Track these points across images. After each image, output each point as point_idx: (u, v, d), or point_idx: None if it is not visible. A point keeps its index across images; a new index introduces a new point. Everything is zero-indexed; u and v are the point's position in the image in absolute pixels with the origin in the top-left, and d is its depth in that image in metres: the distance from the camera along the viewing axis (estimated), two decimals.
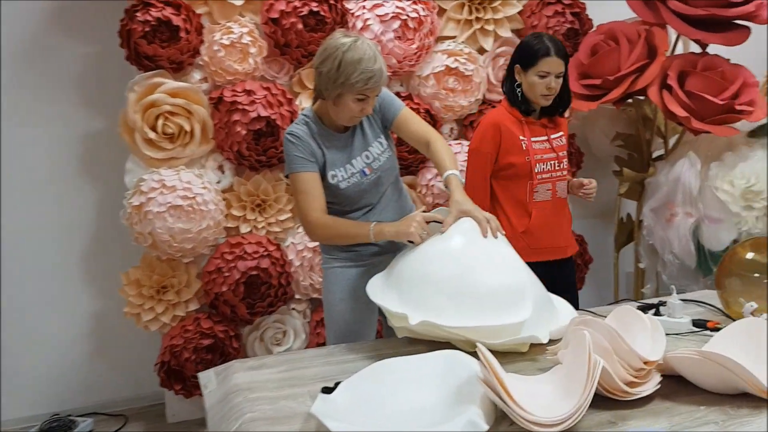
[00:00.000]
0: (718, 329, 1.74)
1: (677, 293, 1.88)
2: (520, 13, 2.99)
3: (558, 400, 1.35)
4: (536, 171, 2.33)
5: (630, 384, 1.37)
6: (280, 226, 2.81)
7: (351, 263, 2.07)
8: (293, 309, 2.91)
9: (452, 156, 1.97)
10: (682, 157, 2.89)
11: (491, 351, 1.37)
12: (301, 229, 2.81)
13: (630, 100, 3.11)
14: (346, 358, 1.72)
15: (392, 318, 1.77)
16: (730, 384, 1.36)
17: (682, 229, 2.85)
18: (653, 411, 1.34)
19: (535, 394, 1.38)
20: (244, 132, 2.62)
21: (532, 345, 1.70)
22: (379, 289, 1.85)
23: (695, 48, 3.06)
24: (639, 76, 2.82)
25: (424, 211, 1.91)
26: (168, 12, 2.52)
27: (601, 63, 2.87)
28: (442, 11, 2.90)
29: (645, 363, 1.40)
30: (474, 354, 1.58)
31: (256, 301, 2.74)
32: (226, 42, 2.57)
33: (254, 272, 2.70)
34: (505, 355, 1.63)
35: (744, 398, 1.36)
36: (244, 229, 2.77)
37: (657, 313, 1.83)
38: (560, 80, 2.29)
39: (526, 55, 2.30)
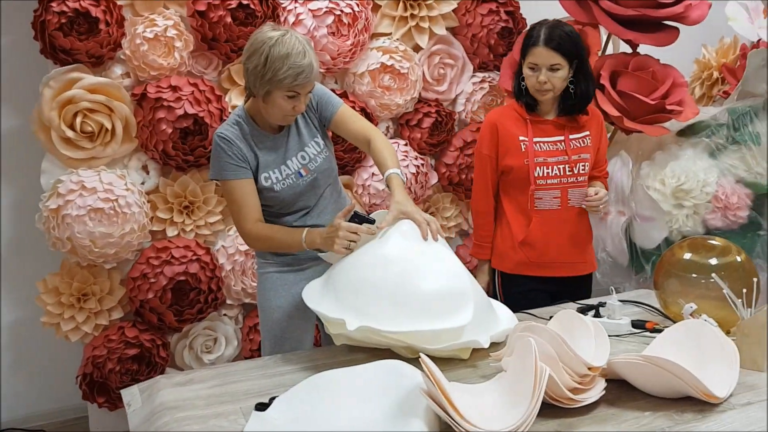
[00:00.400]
0: (656, 330, 1.74)
1: (616, 293, 1.88)
2: (455, 11, 2.95)
3: (504, 409, 1.31)
4: (536, 175, 2.15)
5: (575, 391, 1.34)
6: (210, 229, 2.69)
7: (288, 268, 1.98)
8: (224, 315, 2.79)
9: (394, 154, 1.90)
10: (614, 157, 2.92)
11: (432, 358, 1.32)
12: (232, 232, 2.70)
13: None
14: (282, 369, 1.64)
15: (330, 325, 1.70)
16: (674, 388, 1.35)
17: (615, 228, 2.88)
18: (599, 418, 1.32)
19: (479, 404, 1.33)
20: (170, 130, 2.49)
21: (474, 351, 1.66)
22: (316, 295, 1.77)
23: (625, 48, 3.10)
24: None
25: (356, 213, 1.83)
26: (86, 2, 2.36)
27: None
28: (376, 7, 2.84)
29: (589, 369, 1.37)
30: (415, 361, 1.53)
31: (185, 307, 2.61)
32: (150, 35, 2.43)
33: (182, 278, 2.57)
34: (446, 362, 1.58)
35: (687, 402, 1.35)
36: (171, 232, 2.63)
37: (597, 315, 1.82)
38: (557, 74, 2.08)
39: (522, 45, 2.16)
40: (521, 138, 2.17)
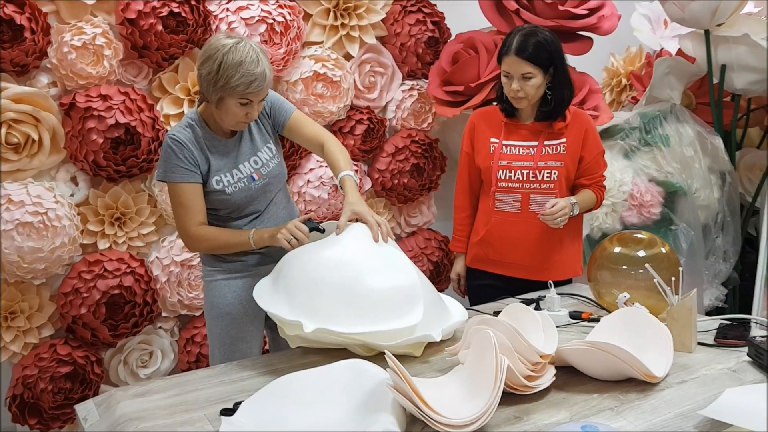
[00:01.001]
0: (592, 319, 1.86)
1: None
2: (383, 20, 3.03)
3: (465, 400, 1.38)
4: (498, 177, 2.20)
5: (528, 378, 1.43)
6: (143, 240, 2.64)
7: (236, 274, 1.98)
8: (160, 328, 2.74)
9: (347, 157, 1.95)
10: None
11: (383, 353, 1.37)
12: (166, 243, 2.66)
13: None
14: (240, 376, 1.64)
15: (285, 327, 1.72)
16: (618, 371, 1.45)
17: None
18: (552, 402, 1.41)
19: (442, 397, 1.39)
20: (100, 140, 2.43)
21: (426, 347, 1.73)
22: (266, 295, 1.78)
23: None
24: (497, 83, 2.95)
25: (309, 219, 1.87)
26: (9, 10, 2.28)
27: (462, 70, 2.97)
28: (307, 16, 2.87)
29: (541, 357, 1.46)
30: (372, 358, 1.59)
31: (120, 322, 2.55)
32: (78, 43, 2.37)
33: (116, 291, 2.51)
34: (401, 360, 1.63)
35: (629, 384, 1.46)
36: (103, 245, 2.57)
37: (537, 308, 1.92)
38: (530, 82, 2.10)
39: (497, 52, 2.18)
40: (492, 139, 2.24)
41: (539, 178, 2.18)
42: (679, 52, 3.34)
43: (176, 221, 1.91)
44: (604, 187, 2.33)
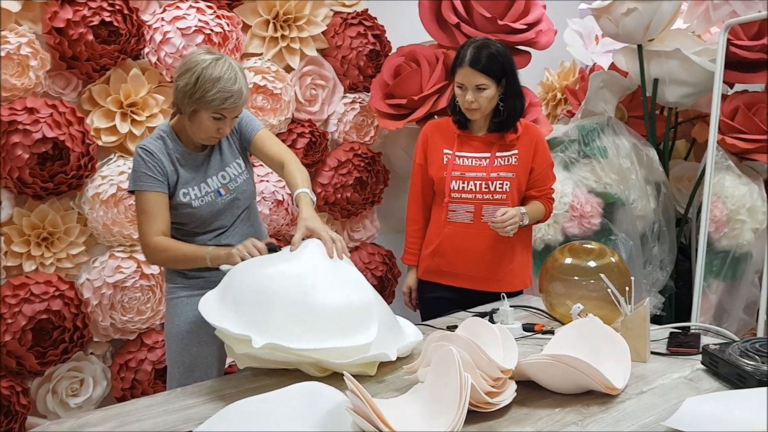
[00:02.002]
0: (546, 331, 1.86)
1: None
2: (324, 33, 2.98)
3: (426, 420, 1.33)
4: (451, 188, 2.20)
5: (490, 394, 1.39)
6: (72, 262, 2.49)
7: (198, 291, 1.90)
8: (92, 354, 2.60)
9: (306, 176, 1.95)
10: None
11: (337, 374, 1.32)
12: (97, 263, 2.53)
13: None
14: (186, 403, 1.54)
15: (233, 343, 1.64)
16: (579, 384, 1.44)
17: None
18: (515, 419, 1.38)
19: (402, 418, 1.34)
20: (26, 156, 2.29)
21: (381, 366, 1.68)
22: (213, 310, 1.70)
23: None
24: (440, 96, 2.96)
25: (270, 243, 1.87)
26: None
27: (404, 84, 2.95)
28: (246, 27, 2.80)
29: (502, 372, 1.43)
30: (325, 379, 1.53)
31: (48, 348, 2.39)
32: (1, 53, 2.23)
33: (44, 316, 2.36)
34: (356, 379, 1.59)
35: (589, 396, 1.45)
36: (29, 267, 2.41)
37: (491, 321, 1.90)
38: (483, 93, 2.12)
39: (451, 64, 2.19)
40: (445, 151, 2.25)
41: (492, 189, 2.20)
42: (612, 67, 3.43)
43: (138, 230, 1.91)
44: (553, 199, 2.36)
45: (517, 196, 2.25)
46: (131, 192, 1.92)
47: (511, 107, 2.20)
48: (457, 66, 2.15)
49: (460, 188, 2.22)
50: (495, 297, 2.13)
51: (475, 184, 2.20)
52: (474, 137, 2.25)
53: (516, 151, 2.24)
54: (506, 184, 2.20)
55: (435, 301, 2.31)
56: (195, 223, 1.94)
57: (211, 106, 1.79)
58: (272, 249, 1.83)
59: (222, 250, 1.84)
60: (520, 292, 2.35)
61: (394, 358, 1.64)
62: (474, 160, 2.23)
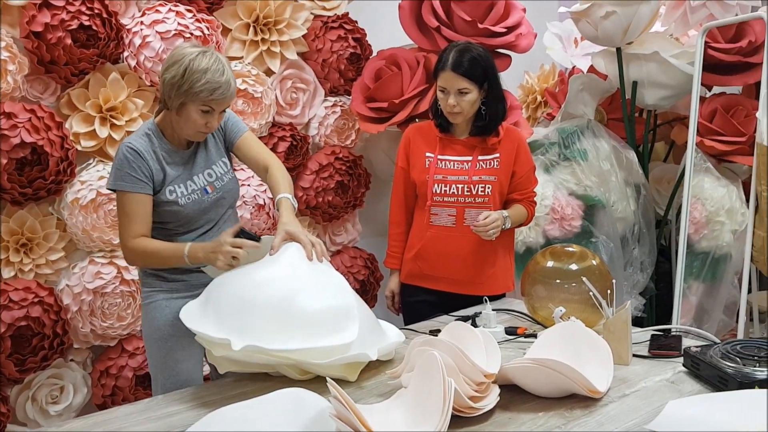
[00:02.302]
0: (528, 335, 1.86)
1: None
2: (304, 36, 2.98)
3: (410, 426, 1.33)
4: (433, 192, 2.21)
5: (473, 399, 1.40)
6: (51, 267, 2.46)
7: (177, 294, 1.90)
8: (72, 360, 2.57)
9: (289, 181, 1.95)
10: None
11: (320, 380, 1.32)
12: (77, 269, 2.50)
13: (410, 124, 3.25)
14: (168, 411, 1.54)
15: (212, 347, 1.64)
16: (561, 387, 1.45)
17: None
18: (499, 423, 1.38)
19: (386, 423, 1.34)
20: (4, 161, 2.26)
21: (364, 371, 1.68)
22: (195, 316, 1.71)
23: None
24: (421, 99, 2.96)
25: (242, 230, 1.83)
26: None
27: (385, 87, 2.95)
28: (226, 31, 2.79)
29: (485, 376, 1.44)
30: (305, 383, 1.53)
31: (27, 356, 2.36)
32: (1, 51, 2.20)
33: (23, 323, 2.33)
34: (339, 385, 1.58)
35: (573, 400, 1.46)
36: (7, 273, 2.38)
37: (474, 324, 1.91)
38: (466, 97, 2.13)
39: (434, 68, 2.20)
40: (428, 154, 2.25)
41: (474, 192, 2.20)
42: (591, 70, 3.46)
43: (119, 231, 1.88)
44: (535, 202, 2.37)
45: (499, 199, 2.26)
46: (112, 190, 1.88)
47: (493, 111, 2.21)
48: (440, 70, 2.16)
49: (442, 192, 2.22)
50: (478, 300, 2.13)
51: (458, 188, 2.20)
52: (456, 141, 2.26)
53: (498, 155, 2.24)
54: (488, 188, 2.21)
55: (418, 305, 2.31)
56: (179, 221, 1.91)
57: (199, 98, 1.77)
58: (248, 236, 1.80)
59: (200, 249, 1.81)
60: (502, 296, 2.35)
61: (374, 358, 1.65)
62: (456, 163, 2.23)
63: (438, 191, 2.22)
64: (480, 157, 2.22)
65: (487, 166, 2.23)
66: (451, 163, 2.23)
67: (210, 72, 1.76)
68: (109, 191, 2.00)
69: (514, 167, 2.27)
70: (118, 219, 1.88)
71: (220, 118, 1.87)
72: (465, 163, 2.22)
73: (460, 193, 2.21)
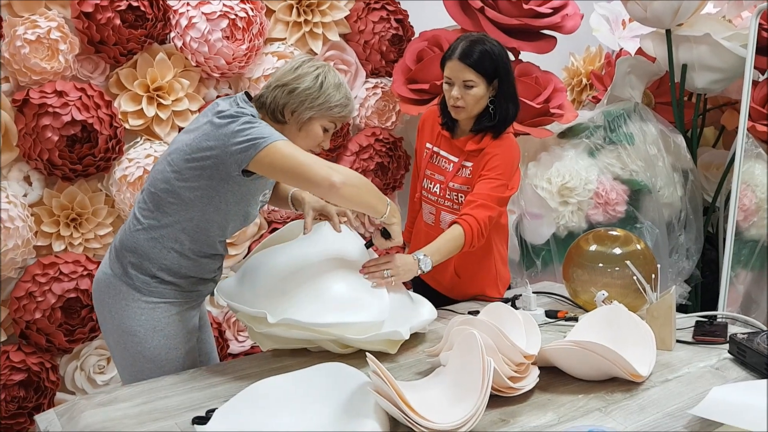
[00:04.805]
0: (569, 318, 1.85)
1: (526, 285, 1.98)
2: (347, 17, 2.97)
3: (449, 403, 1.34)
4: (423, 186, 2.12)
5: (512, 379, 1.40)
6: (100, 242, 2.53)
7: (187, 305, 1.80)
8: (106, 338, 2.63)
9: None
10: None
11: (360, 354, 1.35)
12: None
13: None
14: (211, 381, 1.57)
15: (251, 323, 1.68)
16: (603, 370, 1.44)
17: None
18: (538, 404, 1.38)
19: (426, 400, 1.35)
20: (56, 138, 2.32)
21: (402, 348, 1.70)
22: (232, 292, 1.76)
23: None
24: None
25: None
26: None
27: (426, 68, 2.93)
28: (270, 12, 2.80)
29: (525, 357, 1.43)
30: (348, 359, 1.55)
31: (76, 326, 2.44)
32: (32, 37, 2.26)
33: (72, 295, 2.40)
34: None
35: (614, 383, 1.45)
36: (58, 247, 2.45)
37: (514, 307, 1.90)
38: (471, 91, 1.94)
39: (441, 58, 2.03)
40: (427, 145, 2.16)
41: (450, 198, 2.07)
42: (639, 52, 3.38)
43: (307, 174, 1.58)
44: (488, 207, 1.96)
45: None
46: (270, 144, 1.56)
47: (504, 111, 2.00)
48: (447, 59, 1.99)
49: (428, 188, 2.12)
50: (451, 302, 2.11)
51: (439, 188, 2.09)
52: (449, 139, 2.11)
53: (472, 164, 2.05)
54: (461, 197, 2.04)
55: (417, 286, 2.25)
56: (235, 229, 1.78)
57: (331, 113, 1.69)
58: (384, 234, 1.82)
59: (397, 222, 1.78)
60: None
61: (406, 336, 1.67)
62: (444, 162, 2.10)
63: (425, 186, 2.13)
64: (464, 163, 2.05)
65: (465, 174, 2.05)
66: (441, 160, 2.11)
67: (343, 87, 1.71)
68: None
69: (481, 171, 2.01)
70: (299, 164, 1.57)
71: (330, 137, 1.79)
72: (450, 164, 2.08)
73: (438, 193, 2.09)
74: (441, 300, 2.13)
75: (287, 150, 1.57)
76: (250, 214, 1.76)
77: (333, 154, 2.99)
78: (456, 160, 2.07)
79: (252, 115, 1.63)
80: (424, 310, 1.85)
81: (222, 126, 1.59)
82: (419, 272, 1.83)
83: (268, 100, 1.70)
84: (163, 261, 1.71)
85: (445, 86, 2.01)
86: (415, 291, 2.28)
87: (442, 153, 2.11)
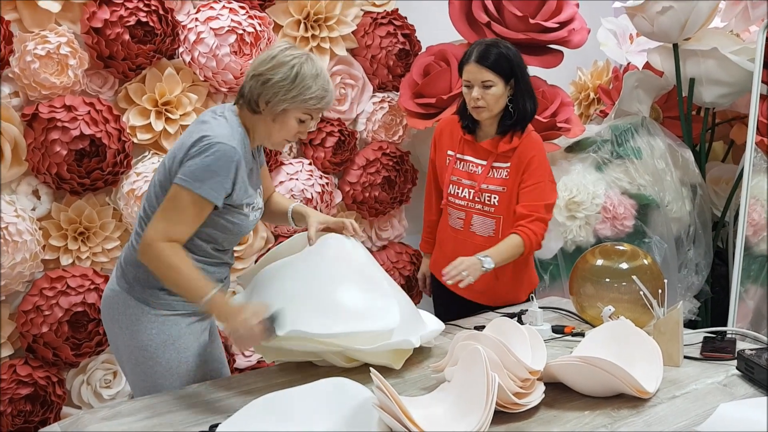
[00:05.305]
0: (576, 333, 1.84)
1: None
2: (354, 32, 2.99)
3: (454, 420, 1.33)
4: (448, 192, 2.17)
5: (518, 395, 1.39)
6: (107, 256, 2.54)
7: (195, 318, 1.80)
8: (114, 351, 2.63)
9: (288, 199, 2.06)
10: None
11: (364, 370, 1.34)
12: None
13: None
14: (215, 396, 1.57)
15: None
16: (609, 387, 1.42)
17: None
18: (544, 420, 1.37)
19: (429, 416, 1.34)
20: (64, 152, 2.34)
21: (406, 363, 1.69)
22: None
23: None
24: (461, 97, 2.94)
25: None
26: None
27: (433, 83, 2.95)
28: (277, 27, 2.82)
29: (530, 373, 1.42)
30: (353, 374, 1.54)
31: (83, 340, 2.44)
32: (42, 52, 2.28)
33: (80, 308, 2.41)
34: (381, 374, 1.59)
35: (620, 400, 1.43)
36: (66, 260, 2.46)
37: (520, 322, 1.88)
38: (490, 91, 2.04)
39: (458, 64, 2.14)
40: (449, 152, 2.22)
41: (481, 200, 2.14)
42: (647, 66, 3.38)
43: (155, 222, 1.60)
44: (544, 220, 2.11)
45: (506, 212, 2.14)
46: (180, 186, 1.59)
47: (522, 108, 2.11)
48: (464, 63, 2.09)
49: (455, 193, 2.18)
50: (481, 308, 2.16)
51: (468, 192, 2.15)
52: (477, 144, 2.18)
53: (509, 164, 2.12)
54: (495, 198, 2.12)
55: (435, 300, 2.38)
56: (230, 238, 1.75)
57: (306, 105, 1.65)
58: (273, 319, 1.57)
59: (222, 304, 1.58)
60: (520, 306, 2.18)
61: (417, 345, 1.67)
62: (472, 166, 2.16)
63: (452, 192, 2.19)
64: (494, 164, 2.13)
65: (498, 176, 2.13)
66: (468, 165, 2.17)
67: (320, 77, 1.66)
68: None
69: (523, 176, 2.11)
70: (164, 211, 1.61)
71: (312, 127, 1.78)
72: (479, 167, 2.15)
73: (469, 198, 2.15)
74: (467, 307, 2.17)
75: (179, 197, 1.59)
76: (239, 225, 1.72)
77: (340, 168, 3.00)
78: (484, 162, 2.14)
79: (219, 142, 1.59)
80: (432, 321, 1.86)
81: (183, 159, 1.63)
82: (483, 270, 1.97)
83: (245, 90, 1.69)
84: None
85: (465, 90, 2.10)
86: (436, 298, 2.38)
87: (467, 158, 2.17)
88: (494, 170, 2.13)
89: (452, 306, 2.20)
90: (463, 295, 2.20)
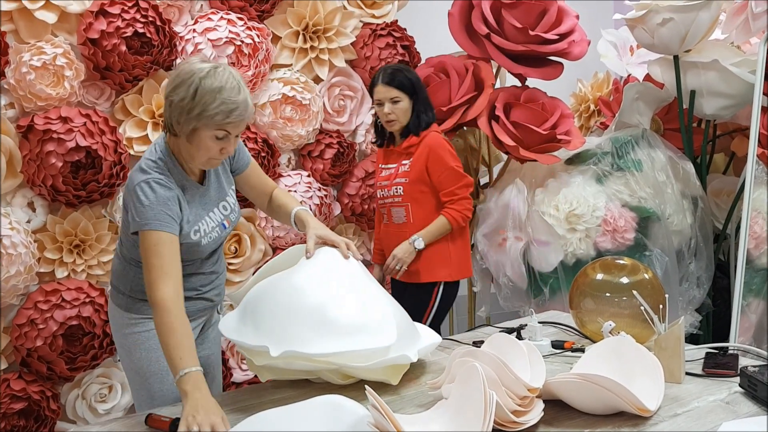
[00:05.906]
0: (576, 349, 1.81)
1: (528, 316, 1.94)
2: (353, 44, 2.98)
3: None
4: (378, 195, 2.66)
5: (516, 413, 1.36)
6: (103, 269, 2.51)
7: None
8: (119, 360, 2.61)
9: (295, 199, 2.02)
10: (510, 184, 3.03)
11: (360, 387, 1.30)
12: None
13: (458, 131, 3.22)
14: None
15: (253, 355, 1.64)
16: (609, 404, 1.39)
17: (513, 253, 2.98)
18: None
19: None
20: (60, 164, 2.32)
21: (403, 380, 1.65)
22: (233, 326, 1.71)
23: (512, 81, 3.26)
24: (469, 107, 2.93)
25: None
26: None
27: (433, 94, 2.92)
28: (276, 38, 2.81)
29: (529, 390, 1.39)
30: (348, 391, 1.51)
31: (78, 354, 2.42)
32: (37, 63, 2.27)
33: (74, 322, 2.39)
34: (377, 390, 1.56)
35: (621, 418, 1.40)
36: (61, 273, 2.44)
37: (519, 337, 1.86)
38: (398, 105, 2.50)
39: (368, 88, 2.61)
40: (380, 165, 2.68)
41: (392, 194, 2.59)
42: (647, 78, 3.37)
43: (150, 279, 1.56)
44: (466, 199, 2.58)
45: (410, 199, 2.56)
46: (135, 233, 1.62)
47: (424, 116, 2.55)
48: (374, 86, 2.52)
49: (381, 196, 2.64)
50: (420, 288, 2.58)
51: (386, 191, 2.61)
52: (392, 151, 2.62)
53: (411, 159, 2.55)
54: (400, 189, 2.56)
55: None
56: (193, 257, 1.73)
57: (214, 122, 1.55)
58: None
59: (195, 391, 1.43)
60: (455, 284, 2.67)
61: (414, 359, 1.63)
62: (388, 170, 2.62)
63: (379, 195, 2.66)
64: (403, 162, 2.56)
65: (403, 170, 2.56)
66: (388, 170, 2.62)
67: (225, 91, 1.53)
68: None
69: (428, 170, 2.53)
70: (148, 262, 1.57)
71: (236, 142, 1.65)
72: (392, 169, 2.60)
73: (387, 195, 2.61)
74: (395, 286, 2.70)
75: (151, 240, 1.57)
76: (197, 242, 1.70)
77: (338, 180, 2.98)
78: (395, 164, 2.59)
79: (158, 186, 1.60)
80: (428, 334, 1.83)
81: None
82: (415, 250, 2.53)
83: (165, 116, 1.63)
84: (133, 280, 1.76)
85: (377, 108, 2.56)
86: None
87: (387, 165, 2.63)
88: (402, 166, 2.56)
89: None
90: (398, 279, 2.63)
